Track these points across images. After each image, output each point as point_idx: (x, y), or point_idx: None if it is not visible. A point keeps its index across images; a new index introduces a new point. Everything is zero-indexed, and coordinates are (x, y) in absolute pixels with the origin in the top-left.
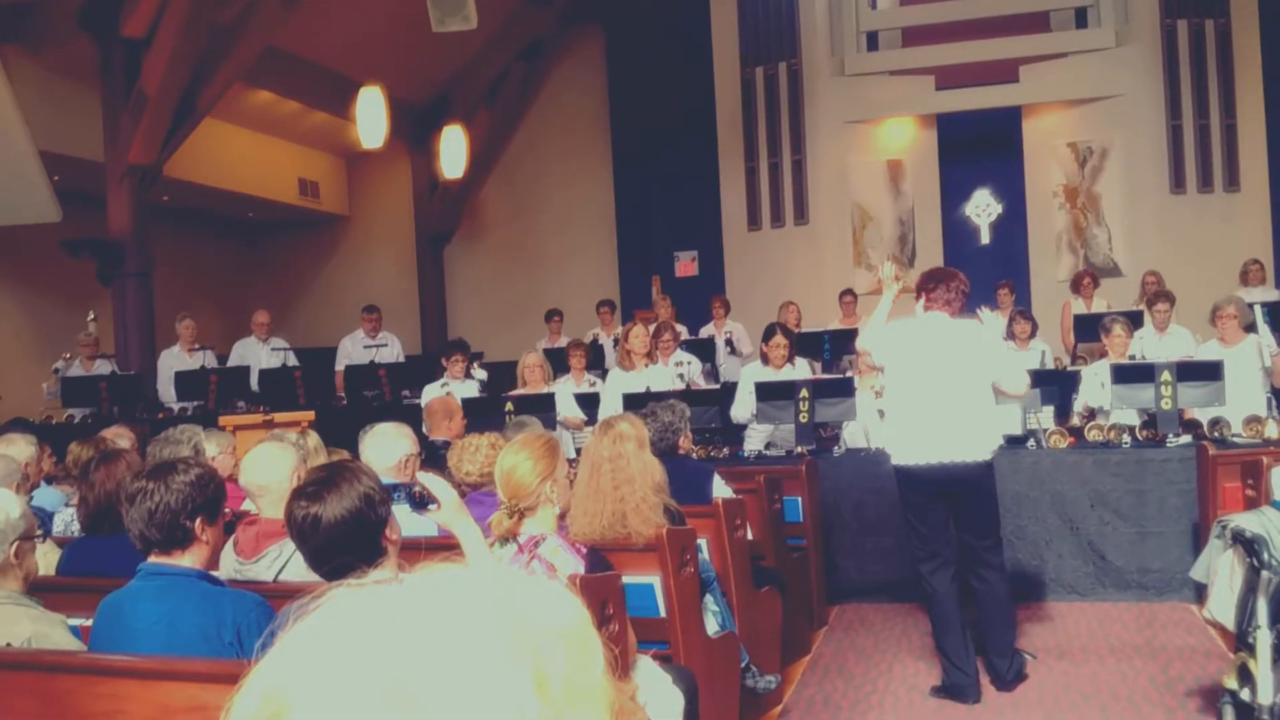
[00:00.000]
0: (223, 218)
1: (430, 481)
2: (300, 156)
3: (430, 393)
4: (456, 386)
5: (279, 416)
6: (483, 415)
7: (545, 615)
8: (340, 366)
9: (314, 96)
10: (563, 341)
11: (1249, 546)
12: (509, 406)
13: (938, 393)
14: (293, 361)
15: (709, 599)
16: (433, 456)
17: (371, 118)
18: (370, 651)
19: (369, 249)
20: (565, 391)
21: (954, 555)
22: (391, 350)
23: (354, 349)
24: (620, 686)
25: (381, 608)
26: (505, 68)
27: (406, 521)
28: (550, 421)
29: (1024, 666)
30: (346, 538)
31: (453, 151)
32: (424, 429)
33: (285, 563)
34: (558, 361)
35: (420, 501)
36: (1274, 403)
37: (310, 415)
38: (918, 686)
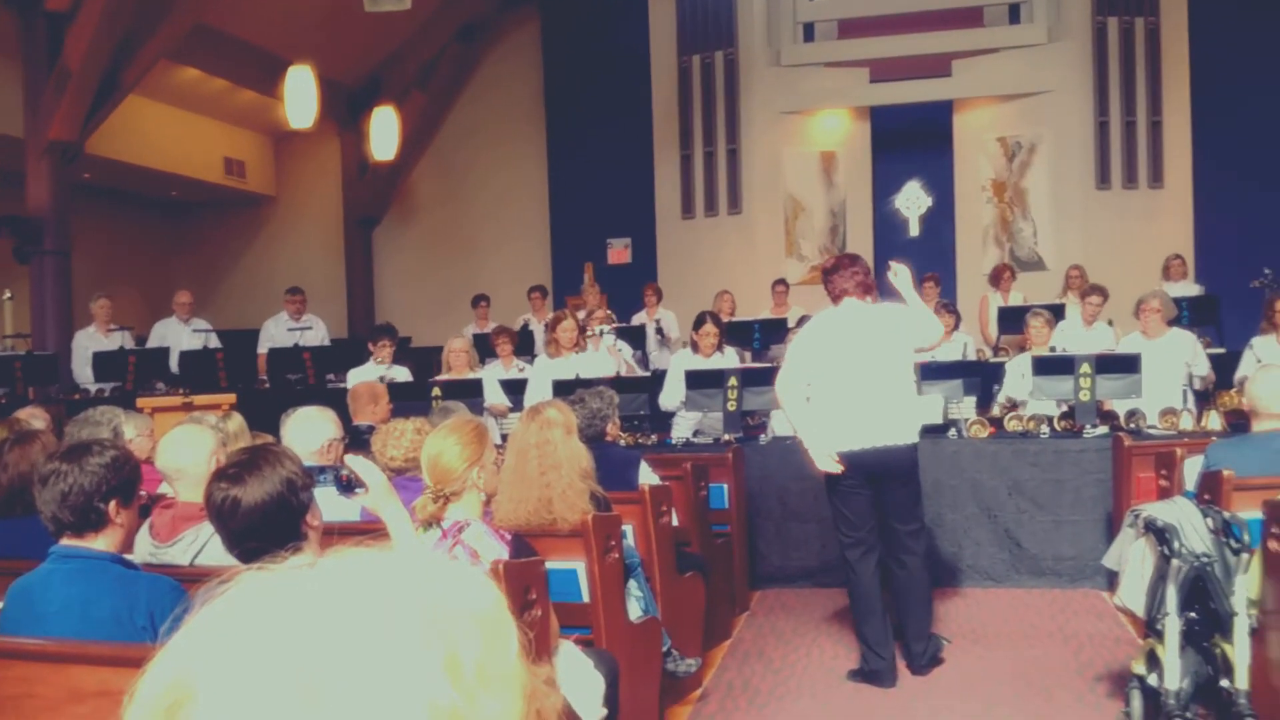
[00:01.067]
0: (146, 196)
1: (359, 465)
2: (226, 135)
3: (356, 376)
4: (381, 372)
5: (199, 399)
6: (409, 400)
7: (459, 600)
8: (263, 349)
9: (242, 75)
10: (490, 327)
11: (1160, 535)
12: (435, 392)
13: (863, 379)
14: (215, 343)
15: (632, 584)
16: (357, 441)
17: (301, 97)
18: (277, 636)
19: (295, 230)
20: (492, 377)
21: (878, 541)
22: (316, 333)
23: (278, 331)
24: (535, 671)
25: (291, 592)
26: (439, 50)
27: (331, 505)
28: (477, 407)
29: (939, 651)
30: (265, 522)
31: (384, 133)
32: (349, 413)
33: (202, 547)
34: (485, 347)
35: (348, 485)
36: (1189, 396)
37: (231, 398)
38: (836, 670)
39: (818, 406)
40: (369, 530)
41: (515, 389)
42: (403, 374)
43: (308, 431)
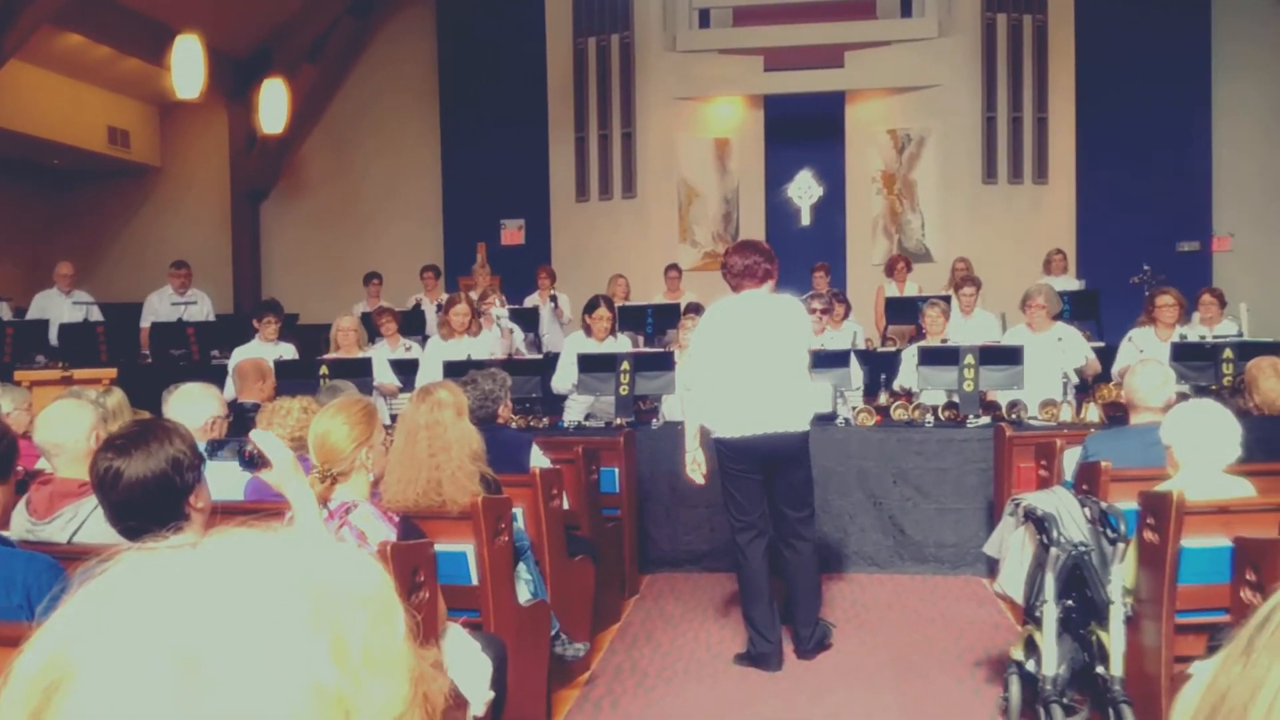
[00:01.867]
0: (26, 164)
1: (265, 441)
2: (111, 104)
3: (240, 354)
4: (268, 349)
5: (79, 373)
6: (295, 379)
7: (345, 582)
8: (146, 323)
9: (127, 42)
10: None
11: (1040, 524)
12: (323, 370)
13: (759, 366)
14: (96, 316)
15: (522, 567)
16: (241, 419)
17: (188, 67)
18: (159, 616)
19: (181, 202)
20: (381, 357)
21: (768, 527)
22: (201, 308)
23: (161, 306)
24: (422, 654)
25: (174, 571)
26: (331, 22)
27: (235, 480)
28: (366, 387)
29: (826, 637)
30: (146, 498)
31: (273, 106)
32: (233, 390)
33: (80, 524)
34: (375, 326)
35: (251, 461)
36: (1069, 388)
37: (112, 373)
38: (723, 655)
39: (714, 392)
40: (255, 510)
41: (405, 369)
42: (289, 352)
43: (190, 408)
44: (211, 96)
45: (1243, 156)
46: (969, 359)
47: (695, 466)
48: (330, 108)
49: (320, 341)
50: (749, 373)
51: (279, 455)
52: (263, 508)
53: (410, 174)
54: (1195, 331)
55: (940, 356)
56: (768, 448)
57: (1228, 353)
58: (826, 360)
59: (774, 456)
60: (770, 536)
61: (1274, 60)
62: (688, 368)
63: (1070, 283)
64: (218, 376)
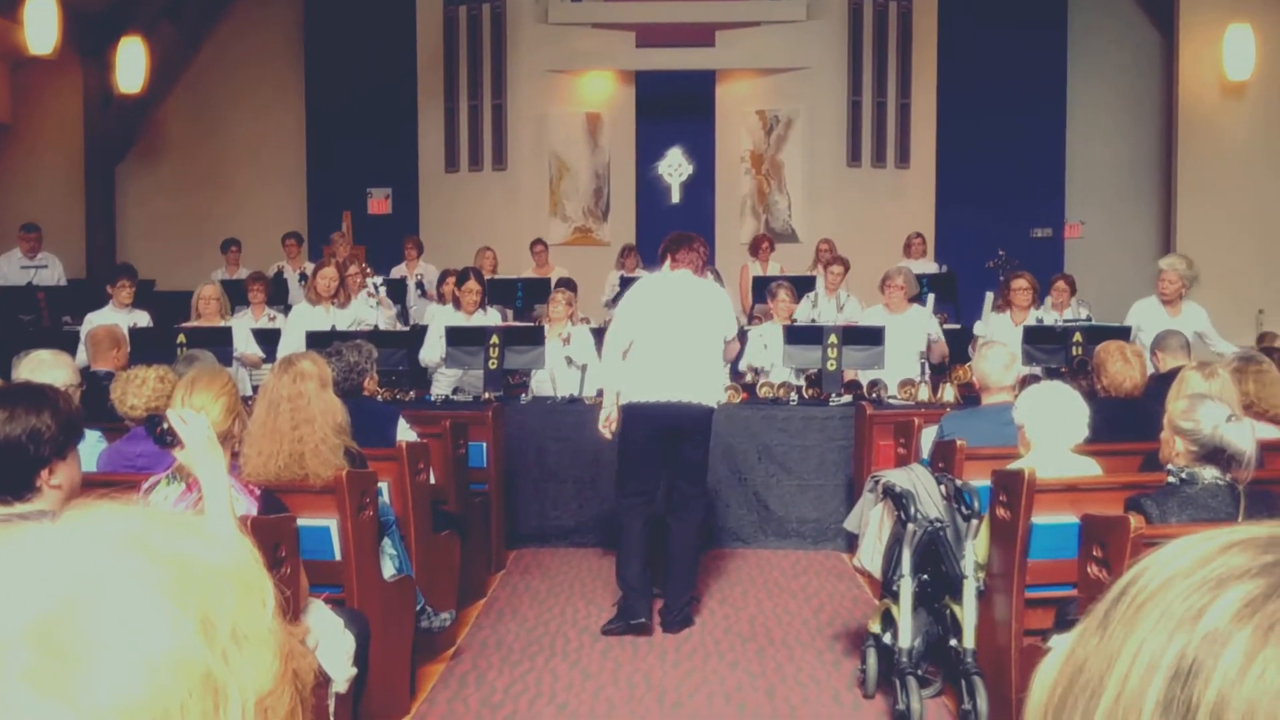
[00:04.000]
0: None
1: (184, 419)
2: None
3: (94, 320)
4: (122, 316)
5: None
6: (151, 347)
7: (212, 557)
8: None
9: None
10: (242, 273)
11: (898, 500)
12: (181, 339)
13: (677, 339)
14: None
15: (387, 542)
16: (95, 388)
17: (41, 21)
18: (13, 590)
19: (32, 162)
20: (243, 326)
21: (655, 498)
22: (52, 273)
23: (9, 269)
24: (290, 630)
25: (29, 545)
26: None
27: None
28: (226, 356)
29: (692, 612)
30: None
31: (131, 64)
32: (85, 358)
33: None
34: (235, 294)
35: (163, 438)
36: (927, 368)
37: None
38: (589, 629)
39: (632, 359)
40: (115, 482)
41: (268, 339)
42: (144, 319)
43: (41, 376)
44: (66, 53)
45: (1093, 148)
46: (832, 338)
47: (607, 424)
48: (191, 68)
49: (177, 309)
50: (667, 343)
51: (192, 436)
52: (117, 480)
53: (273, 138)
54: (1047, 316)
55: (804, 336)
56: (673, 416)
57: (1077, 336)
58: None
59: (678, 427)
60: (662, 508)
61: (1125, 56)
62: (611, 333)
63: (929, 266)
64: (69, 343)
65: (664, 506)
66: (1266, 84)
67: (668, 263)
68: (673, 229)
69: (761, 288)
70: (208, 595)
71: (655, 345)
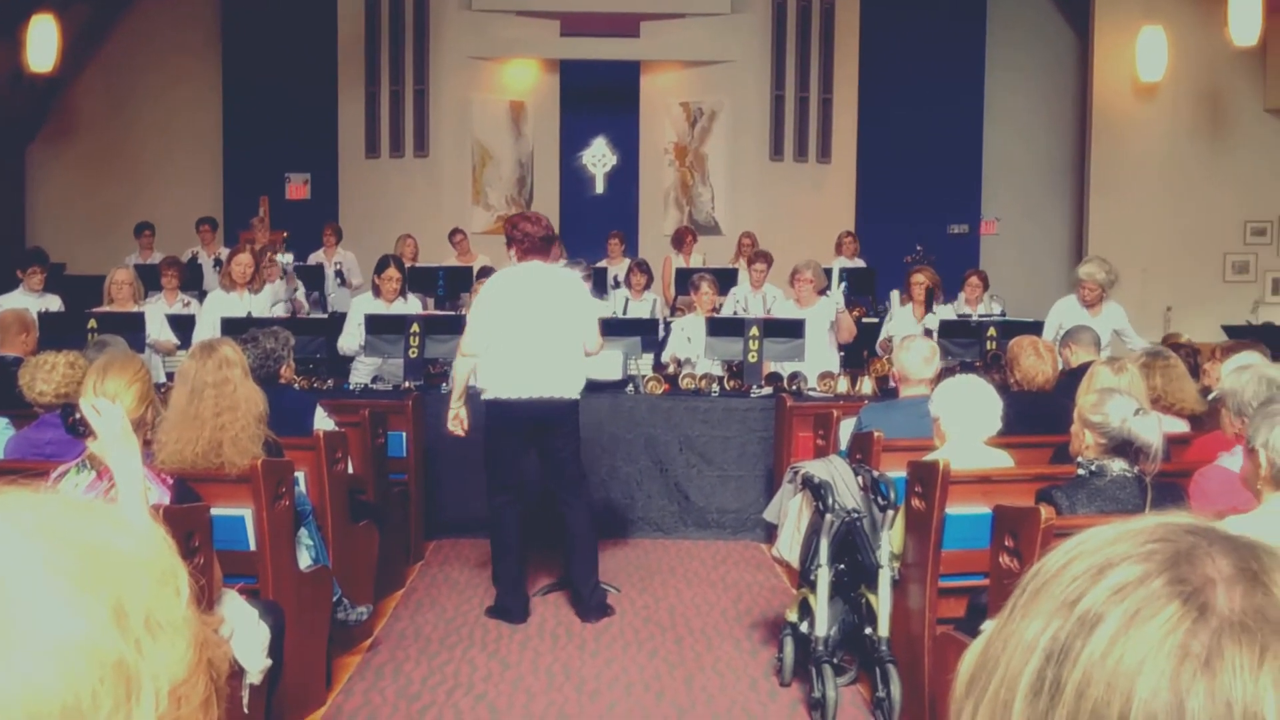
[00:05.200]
0: None
1: (98, 409)
2: None
3: (2, 304)
4: (32, 300)
5: None
6: (61, 332)
7: (125, 545)
8: None
9: None
10: (155, 258)
11: (816, 491)
12: (92, 324)
13: (534, 333)
14: None
15: (303, 532)
16: (2, 374)
17: None
18: None
19: None
20: (156, 312)
21: (526, 491)
22: None
23: None
24: (205, 619)
25: None
26: None
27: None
28: (138, 342)
29: (605, 598)
30: None
31: (42, 42)
32: None
33: None
34: (148, 279)
35: (75, 428)
36: (838, 356)
37: None
38: (507, 620)
39: (492, 355)
40: (23, 470)
41: (181, 325)
42: (54, 303)
43: None
44: None
45: (1010, 146)
46: (754, 331)
47: (456, 421)
48: (105, 48)
49: (88, 293)
50: (527, 339)
51: (105, 428)
52: (25, 467)
53: (189, 121)
54: (960, 311)
55: (727, 328)
56: (537, 412)
57: (992, 331)
58: (617, 328)
59: (543, 422)
60: (527, 503)
61: (1042, 56)
62: (468, 330)
63: (855, 262)
64: None
65: (550, 498)
66: (1177, 85)
67: (513, 252)
68: (597, 219)
69: (684, 279)
70: (121, 583)
71: (514, 341)
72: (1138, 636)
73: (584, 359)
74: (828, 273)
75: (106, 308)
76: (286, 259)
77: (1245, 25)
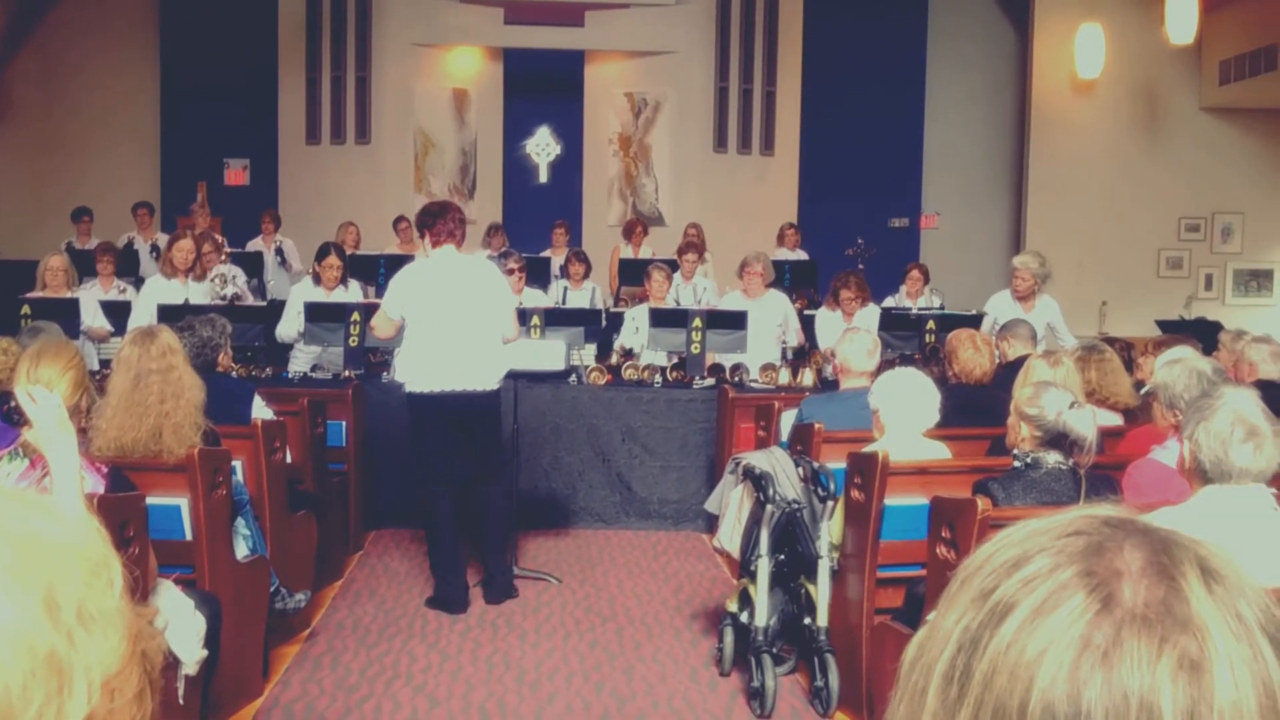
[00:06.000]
0: None
1: (34, 398)
2: None
3: None
4: None
5: None
6: None
7: (58, 535)
8: None
9: None
10: (92, 243)
11: (758, 482)
12: (25, 310)
13: (452, 325)
14: None
15: (240, 522)
16: None
17: None
18: None
19: None
20: (91, 298)
21: (456, 480)
22: None
23: None
24: (139, 610)
25: None
26: None
27: None
28: (72, 329)
29: (513, 582)
30: None
31: None
32: None
33: None
34: (84, 265)
35: (9, 416)
36: (786, 353)
37: None
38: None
39: (410, 348)
40: None
41: (116, 312)
42: None
43: None
44: None
45: (951, 141)
46: (697, 322)
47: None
48: (39, 28)
49: (21, 278)
50: (444, 330)
51: (41, 416)
52: None
53: (126, 104)
54: (900, 304)
55: (670, 319)
56: (458, 404)
57: (931, 324)
58: (560, 318)
59: (465, 413)
60: (468, 487)
61: (982, 53)
62: (380, 314)
63: (800, 256)
64: None
65: (471, 485)
66: (1115, 83)
67: (428, 239)
68: (540, 209)
69: (629, 270)
70: (53, 574)
71: (432, 333)
72: (1043, 627)
73: (502, 348)
74: (780, 266)
75: (40, 293)
76: (224, 270)
77: (1182, 24)
